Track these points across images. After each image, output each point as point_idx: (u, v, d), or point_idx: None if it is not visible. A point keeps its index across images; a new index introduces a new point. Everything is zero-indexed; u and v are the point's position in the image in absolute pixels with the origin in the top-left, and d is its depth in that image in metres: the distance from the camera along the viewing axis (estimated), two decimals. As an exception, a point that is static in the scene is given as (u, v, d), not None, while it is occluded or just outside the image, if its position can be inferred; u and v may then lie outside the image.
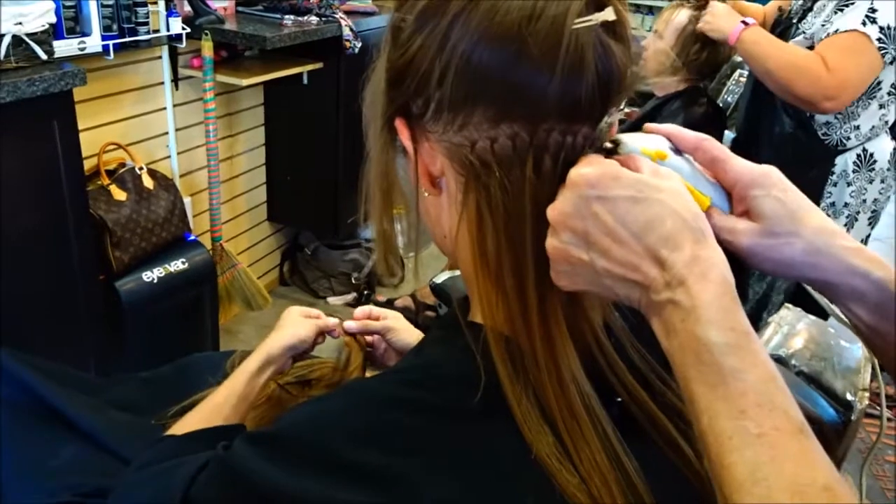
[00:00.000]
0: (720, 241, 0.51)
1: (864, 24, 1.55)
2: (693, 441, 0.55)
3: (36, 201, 1.67)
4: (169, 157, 2.36)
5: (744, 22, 1.71)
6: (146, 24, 2.01)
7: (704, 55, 2.01)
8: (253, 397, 0.90)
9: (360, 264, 3.06)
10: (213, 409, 0.86)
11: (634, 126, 2.05)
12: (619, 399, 0.58)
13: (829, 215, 1.78)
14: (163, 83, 2.27)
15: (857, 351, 0.87)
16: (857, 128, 1.72)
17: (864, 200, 1.81)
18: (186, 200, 2.29)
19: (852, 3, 1.58)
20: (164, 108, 2.30)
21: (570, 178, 0.51)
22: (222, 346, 2.46)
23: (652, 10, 4.69)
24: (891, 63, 1.61)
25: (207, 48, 2.20)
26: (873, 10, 1.54)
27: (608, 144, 0.54)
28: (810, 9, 1.74)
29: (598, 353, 0.58)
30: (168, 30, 2.13)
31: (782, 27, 1.83)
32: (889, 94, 1.69)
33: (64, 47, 1.80)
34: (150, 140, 2.30)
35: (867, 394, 0.81)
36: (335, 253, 3.05)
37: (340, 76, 2.58)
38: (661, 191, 0.49)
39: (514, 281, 0.54)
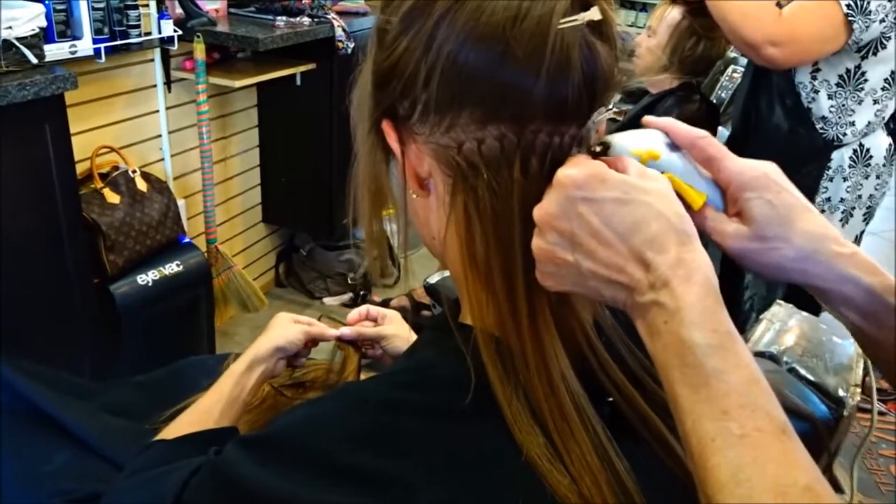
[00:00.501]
0: (712, 242, 0.51)
1: None
2: None
3: (29, 206, 1.67)
4: (162, 159, 2.36)
5: None
6: (137, 26, 2.01)
7: (698, 52, 2.01)
8: (244, 398, 0.89)
9: (356, 264, 3.06)
10: (203, 412, 0.86)
11: (627, 124, 2.05)
12: (610, 398, 0.58)
13: (824, 211, 1.78)
14: (155, 86, 2.27)
15: (849, 347, 0.87)
16: (853, 123, 1.72)
17: (860, 196, 1.81)
18: (180, 203, 2.29)
19: None
20: (157, 111, 2.30)
21: (556, 179, 0.51)
22: (218, 349, 2.46)
23: (645, 7, 4.70)
24: (857, 51, 1.60)
25: (199, 50, 2.19)
26: None
27: (597, 147, 0.54)
28: None
29: (588, 353, 0.58)
30: (160, 32, 2.12)
31: None
32: (883, 89, 1.69)
33: (55, 51, 1.79)
34: (143, 143, 2.30)
35: (859, 389, 0.81)
36: (331, 253, 3.05)
37: (333, 77, 2.57)
38: (647, 193, 0.49)
39: (503, 282, 0.54)
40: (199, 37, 2.18)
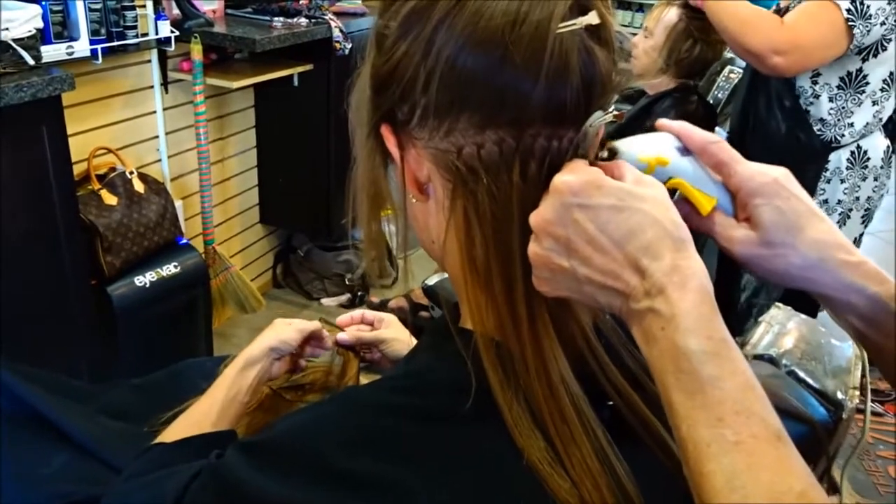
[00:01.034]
0: (718, 246, 0.51)
1: None
2: None
3: (26, 207, 1.67)
4: (159, 160, 2.35)
5: None
6: (134, 27, 2.01)
7: (694, 53, 2.02)
8: (240, 399, 0.89)
9: (354, 265, 3.05)
10: (200, 415, 0.86)
11: (626, 126, 2.06)
12: (610, 402, 0.58)
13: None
14: (152, 87, 2.27)
15: (847, 350, 0.87)
16: (852, 125, 1.72)
17: (858, 198, 1.81)
18: (178, 204, 2.29)
19: None
20: (154, 112, 2.29)
21: (553, 185, 0.51)
22: (216, 350, 2.45)
23: (642, 7, 4.70)
24: (857, 53, 1.60)
25: (197, 51, 2.19)
26: None
27: (604, 153, 0.54)
28: None
29: (588, 356, 0.58)
30: (157, 33, 2.12)
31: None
32: (882, 90, 1.69)
33: (52, 52, 1.79)
34: (141, 144, 2.29)
35: (857, 392, 0.81)
36: (328, 254, 3.05)
37: (331, 77, 2.57)
38: (643, 200, 0.50)
39: (503, 286, 0.54)
40: (196, 38, 2.18)
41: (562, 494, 0.50)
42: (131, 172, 2.09)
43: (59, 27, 1.83)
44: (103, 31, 1.93)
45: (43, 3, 1.74)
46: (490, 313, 0.55)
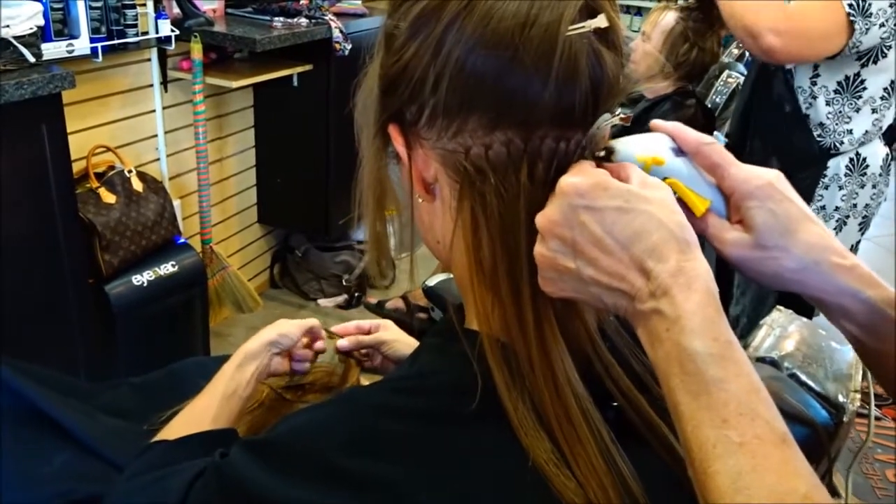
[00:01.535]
0: (712, 248, 0.52)
1: None
2: None
3: (25, 205, 1.66)
4: (158, 159, 2.35)
5: None
6: (135, 26, 2.00)
7: (692, 57, 2.02)
8: (239, 394, 0.89)
9: (351, 266, 3.05)
10: (200, 412, 0.85)
11: (625, 129, 2.06)
12: (616, 403, 0.58)
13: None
14: (152, 85, 2.26)
15: (847, 353, 0.88)
16: (851, 132, 1.73)
17: (855, 205, 1.81)
18: (176, 203, 2.28)
19: None
20: (154, 111, 2.29)
21: (559, 187, 0.51)
22: (213, 350, 2.45)
23: (640, 11, 4.71)
24: (857, 59, 1.61)
25: (196, 50, 2.19)
26: None
27: (601, 153, 0.55)
28: None
29: (594, 357, 0.58)
30: (157, 32, 2.12)
31: None
32: (882, 98, 1.70)
33: (52, 50, 1.79)
34: (140, 142, 2.29)
35: (858, 395, 0.82)
36: (326, 255, 3.05)
37: (330, 78, 2.57)
38: (648, 202, 0.50)
39: (509, 287, 0.55)
40: (196, 37, 2.17)
41: (567, 494, 0.50)
42: (130, 171, 2.08)
43: (59, 25, 1.83)
44: (104, 29, 1.93)
45: (44, 0, 1.74)
46: (496, 314, 0.56)
